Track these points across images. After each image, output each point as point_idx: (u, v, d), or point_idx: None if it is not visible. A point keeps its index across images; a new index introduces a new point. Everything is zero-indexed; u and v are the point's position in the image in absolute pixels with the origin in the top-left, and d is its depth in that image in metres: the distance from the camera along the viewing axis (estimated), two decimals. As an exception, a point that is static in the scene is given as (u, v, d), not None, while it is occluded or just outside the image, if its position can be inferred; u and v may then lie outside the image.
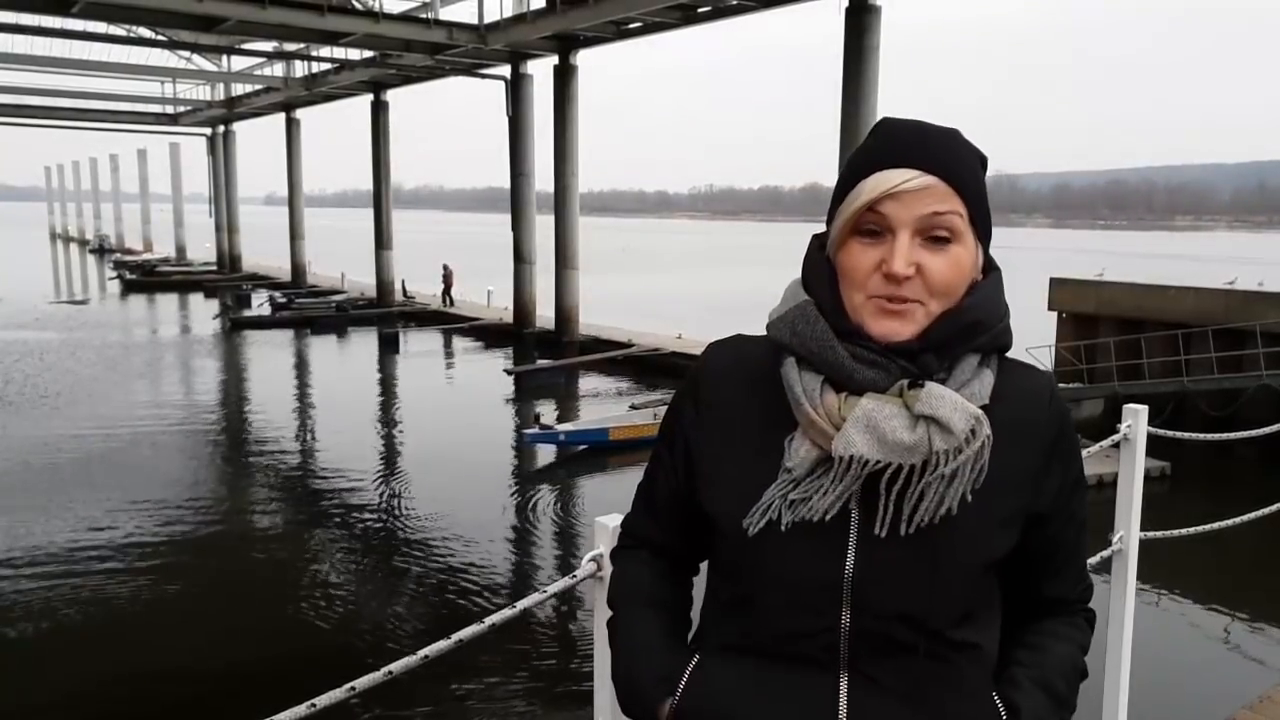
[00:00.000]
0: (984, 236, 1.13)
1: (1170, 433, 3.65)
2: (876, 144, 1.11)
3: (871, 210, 1.07)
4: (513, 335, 24.89)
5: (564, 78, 23.53)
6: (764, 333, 1.20)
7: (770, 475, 1.12)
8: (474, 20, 21.82)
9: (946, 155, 1.09)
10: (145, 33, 25.54)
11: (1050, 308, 17.19)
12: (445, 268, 30.50)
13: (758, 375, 1.17)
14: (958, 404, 1.06)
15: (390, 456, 14.35)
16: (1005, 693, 1.16)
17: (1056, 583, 1.22)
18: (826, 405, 1.09)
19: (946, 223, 1.07)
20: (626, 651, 1.25)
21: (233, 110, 39.47)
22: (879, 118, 1.17)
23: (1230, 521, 4.02)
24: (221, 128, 44.25)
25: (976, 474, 1.07)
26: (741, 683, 1.15)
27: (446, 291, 30.38)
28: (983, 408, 1.09)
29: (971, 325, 1.10)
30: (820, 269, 1.15)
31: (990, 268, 1.16)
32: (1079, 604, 1.26)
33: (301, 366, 23.00)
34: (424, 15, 22.05)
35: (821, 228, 1.19)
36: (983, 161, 1.14)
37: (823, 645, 1.10)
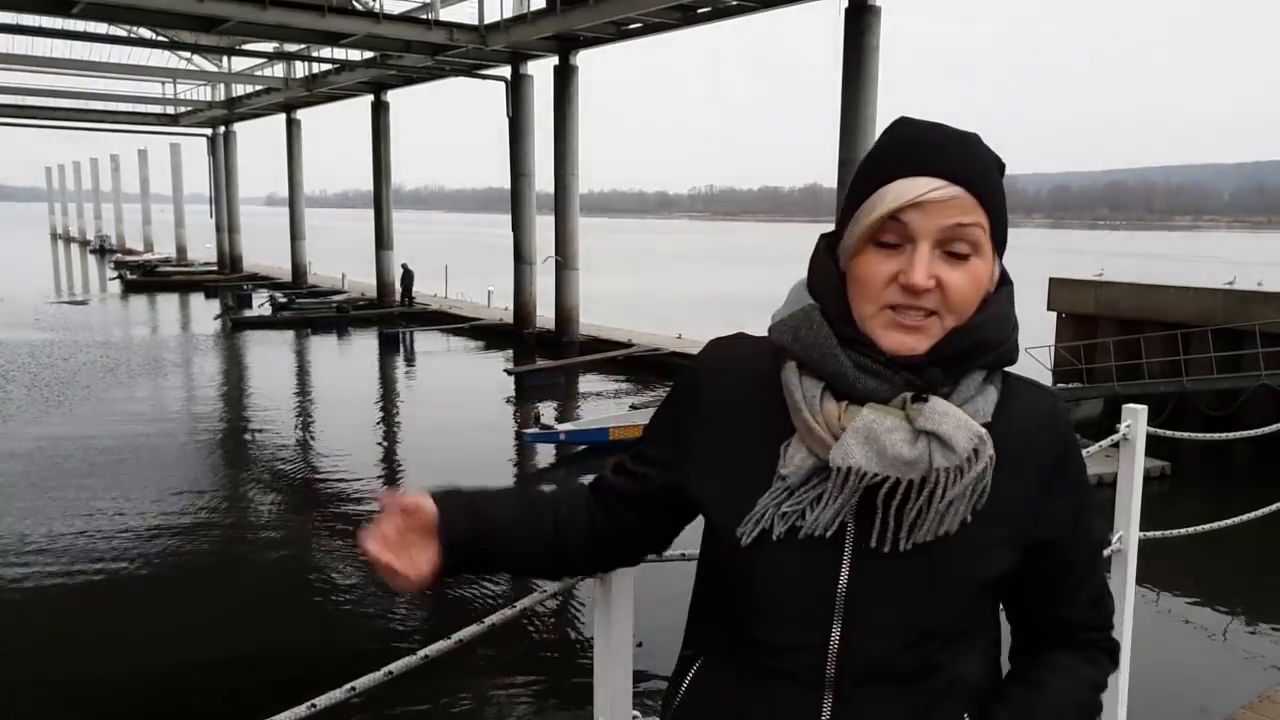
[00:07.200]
0: (1000, 248, 1.09)
1: (1170, 433, 3.66)
2: (897, 147, 1.06)
3: (893, 219, 1.02)
4: (513, 335, 24.87)
5: (564, 78, 23.52)
6: (765, 334, 1.16)
7: (765, 482, 1.09)
8: (474, 21, 21.84)
9: (970, 163, 1.04)
10: (145, 33, 25.56)
11: (1050, 308, 17.19)
12: (404, 267, 30.19)
13: (758, 377, 1.13)
14: (961, 421, 1.03)
15: (391, 456, 14.35)
16: None
17: (1066, 607, 1.17)
18: (826, 413, 1.06)
19: (969, 235, 1.03)
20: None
21: (233, 111, 39.47)
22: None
23: (1230, 521, 4.03)
24: (222, 128, 44.23)
25: (979, 496, 1.04)
26: (728, 706, 1.13)
27: (406, 293, 30.02)
28: (985, 425, 1.06)
29: (980, 343, 1.07)
30: (828, 273, 1.11)
31: (1003, 281, 1.12)
32: (1095, 630, 1.19)
33: (302, 367, 22.99)
34: (424, 16, 22.04)
35: (822, 228, 1.17)
36: (1000, 168, 1.08)
37: (810, 664, 1.07)
